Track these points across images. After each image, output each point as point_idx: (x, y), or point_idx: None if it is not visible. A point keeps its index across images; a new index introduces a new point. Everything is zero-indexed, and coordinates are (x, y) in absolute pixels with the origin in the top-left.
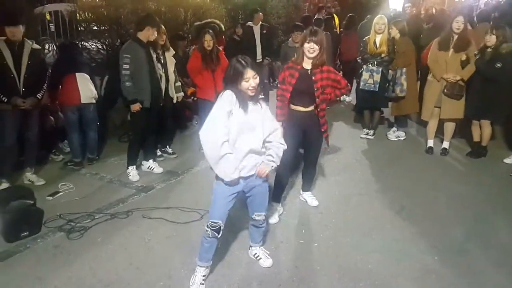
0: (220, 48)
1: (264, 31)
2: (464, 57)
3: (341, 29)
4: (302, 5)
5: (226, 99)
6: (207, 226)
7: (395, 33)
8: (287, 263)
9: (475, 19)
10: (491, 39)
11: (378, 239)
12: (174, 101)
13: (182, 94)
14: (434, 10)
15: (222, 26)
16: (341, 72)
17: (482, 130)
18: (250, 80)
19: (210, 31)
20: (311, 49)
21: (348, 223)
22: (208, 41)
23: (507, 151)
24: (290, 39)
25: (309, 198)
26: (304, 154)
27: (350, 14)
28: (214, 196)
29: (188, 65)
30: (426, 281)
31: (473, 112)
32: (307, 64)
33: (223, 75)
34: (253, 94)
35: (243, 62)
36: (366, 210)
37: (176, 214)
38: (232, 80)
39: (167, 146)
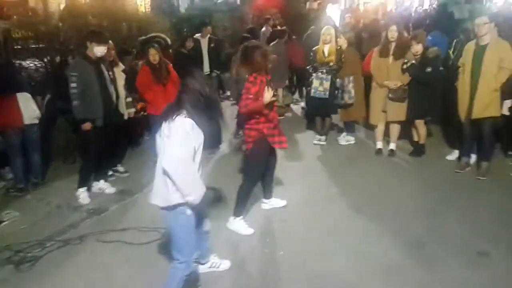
0: (170, 63)
1: (212, 44)
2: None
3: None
4: (246, 17)
5: (189, 127)
6: (185, 265)
7: (343, 43)
8: (255, 274)
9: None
10: (418, 47)
11: (342, 241)
12: (126, 117)
13: (133, 110)
14: (366, 21)
15: (168, 40)
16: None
17: (418, 130)
18: None
19: (155, 45)
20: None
21: (312, 228)
22: (153, 55)
23: (448, 148)
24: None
25: (276, 200)
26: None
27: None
28: (182, 231)
29: (138, 81)
30: (391, 278)
31: (414, 114)
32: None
33: (174, 88)
34: None
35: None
36: (327, 213)
37: (134, 235)
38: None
39: (118, 165)
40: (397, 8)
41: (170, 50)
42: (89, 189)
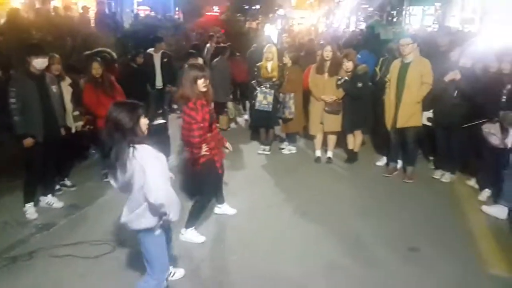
0: (112, 76)
1: (165, 59)
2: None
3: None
4: (190, 34)
5: (153, 151)
6: (156, 282)
7: (288, 61)
8: (210, 280)
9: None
10: (349, 65)
11: (290, 244)
12: (73, 130)
13: (81, 123)
14: (302, 40)
15: (114, 55)
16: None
17: (355, 139)
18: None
19: (98, 59)
20: (205, 84)
21: (261, 233)
22: (96, 69)
23: (377, 155)
24: (186, 66)
25: (227, 207)
26: None
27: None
28: (156, 249)
29: (85, 99)
30: (334, 275)
31: (348, 125)
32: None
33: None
34: None
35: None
36: (275, 219)
37: (86, 249)
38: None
39: (65, 179)
40: (327, 29)
41: (116, 65)
42: (36, 204)
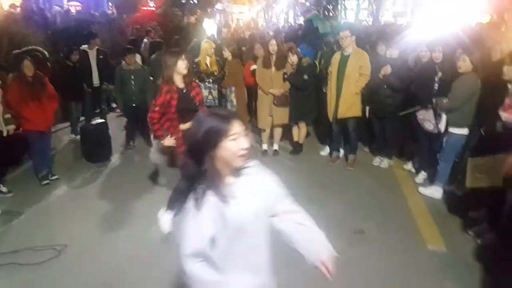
0: (45, 77)
1: (101, 56)
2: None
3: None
4: (126, 29)
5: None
6: None
7: (228, 55)
8: None
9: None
10: (294, 58)
11: None
12: (4, 134)
13: (13, 126)
14: (243, 35)
15: (46, 53)
16: None
17: (300, 131)
18: (239, 137)
19: (28, 57)
20: (184, 65)
21: None
22: (28, 67)
23: (321, 145)
24: (123, 62)
25: None
26: None
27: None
28: None
29: (8, 96)
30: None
31: (293, 117)
32: (180, 84)
33: (50, 103)
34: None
35: (220, 112)
36: None
37: (29, 256)
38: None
39: (0, 185)
40: (267, 24)
41: (49, 63)
42: None
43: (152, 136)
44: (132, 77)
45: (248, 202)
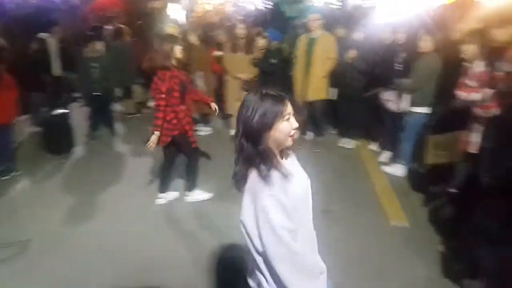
0: (2, 66)
1: (62, 44)
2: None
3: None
4: (88, 16)
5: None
6: None
7: (194, 40)
8: None
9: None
10: (262, 42)
11: (215, 221)
12: None
13: None
14: (213, 19)
15: (3, 42)
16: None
17: None
18: (291, 117)
19: None
20: (180, 50)
21: (171, 219)
22: None
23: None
24: (85, 50)
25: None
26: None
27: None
28: None
29: None
30: None
31: None
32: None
33: (8, 94)
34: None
35: (272, 93)
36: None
37: None
38: (261, 128)
39: None
40: (236, 8)
41: (6, 53)
42: None
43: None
44: (95, 65)
45: (300, 180)
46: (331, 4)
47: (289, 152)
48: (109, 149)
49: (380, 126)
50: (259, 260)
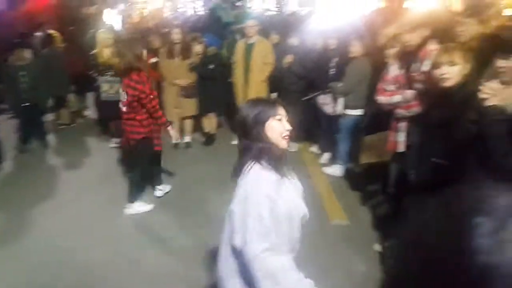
0: None
1: None
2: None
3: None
4: (15, 22)
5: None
6: None
7: None
8: None
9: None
10: (199, 47)
11: (151, 230)
12: None
13: None
14: (148, 24)
15: None
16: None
17: (210, 121)
18: (283, 118)
19: None
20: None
21: (116, 226)
22: None
23: (233, 135)
24: (11, 58)
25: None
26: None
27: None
28: None
29: None
30: (200, 258)
31: (203, 108)
32: None
33: None
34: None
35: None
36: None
37: None
38: (256, 124)
39: None
40: (173, 13)
41: None
42: None
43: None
44: (22, 74)
45: (294, 184)
46: (269, 10)
47: (287, 167)
48: (41, 162)
49: (319, 129)
50: (234, 254)
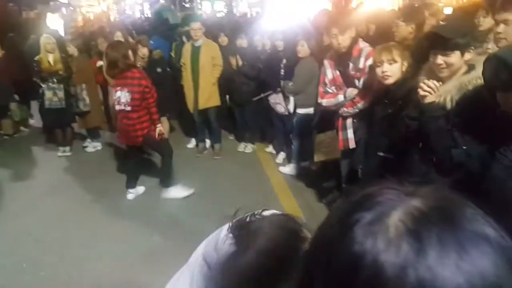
0: None
1: None
2: None
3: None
4: None
5: None
6: None
7: (73, 51)
8: None
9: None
10: (144, 51)
11: (109, 240)
12: None
13: None
14: (92, 28)
15: None
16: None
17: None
18: None
19: None
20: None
21: (69, 238)
22: None
23: (187, 138)
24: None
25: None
26: None
27: None
28: None
29: None
30: (161, 263)
31: None
32: None
33: None
34: None
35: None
36: (87, 222)
37: None
38: None
39: None
40: (120, 16)
41: None
42: None
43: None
44: None
45: None
46: (219, 11)
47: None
48: None
49: (273, 129)
50: None
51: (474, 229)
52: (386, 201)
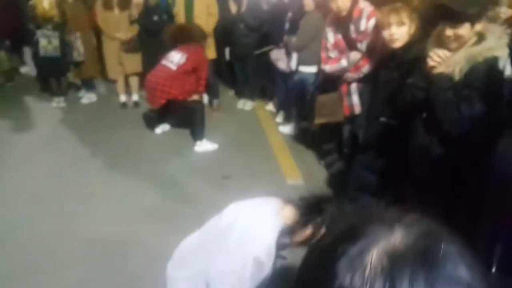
0: None
1: None
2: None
3: None
4: None
5: None
6: None
7: None
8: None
9: None
10: None
11: (105, 198)
12: None
13: None
14: None
15: None
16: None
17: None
18: None
19: None
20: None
21: (66, 194)
22: None
23: None
24: None
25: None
26: None
27: None
28: None
29: None
30: (158, 220)
31: (147, 64)
32: None
33: None
34: None
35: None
36: (84, 176)
37: None
38: None
39: None
40: None
41: None
42: None
43: None
44: None
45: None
46: None
47: None
48: None
49: (273, 86)
50: None
51: (447, 272)
52: (370, 234)
